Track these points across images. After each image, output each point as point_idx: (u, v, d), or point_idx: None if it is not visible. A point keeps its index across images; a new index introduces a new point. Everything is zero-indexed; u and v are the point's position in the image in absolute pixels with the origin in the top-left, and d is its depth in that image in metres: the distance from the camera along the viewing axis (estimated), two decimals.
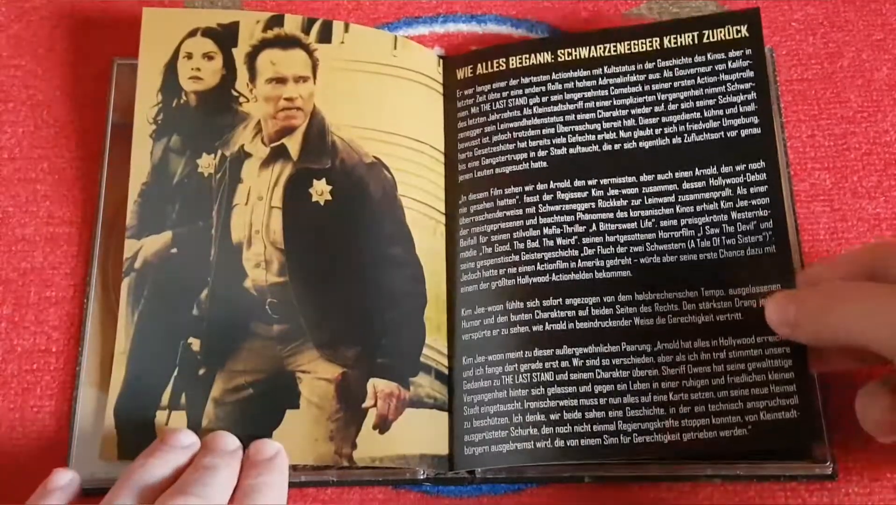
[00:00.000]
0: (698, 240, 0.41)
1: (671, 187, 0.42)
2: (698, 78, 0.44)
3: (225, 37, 0.45)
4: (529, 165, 0.44)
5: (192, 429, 0.39)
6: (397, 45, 0.46)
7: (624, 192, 0.43)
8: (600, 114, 0.44)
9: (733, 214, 0.42)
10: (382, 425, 0.40)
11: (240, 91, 0.44)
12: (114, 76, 0.46)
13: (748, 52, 0.44)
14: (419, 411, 0.41)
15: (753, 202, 0.42)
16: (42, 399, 0.42)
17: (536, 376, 0.40)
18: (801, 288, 0.39)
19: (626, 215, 0.42)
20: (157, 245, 0.42)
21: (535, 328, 0.41)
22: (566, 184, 0.43)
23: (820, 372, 0.40)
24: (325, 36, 0.45)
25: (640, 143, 0.43)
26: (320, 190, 0.43)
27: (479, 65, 0.46)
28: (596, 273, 0.42)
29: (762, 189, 0.42)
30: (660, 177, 0.43)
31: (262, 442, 0.38)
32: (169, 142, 0.44)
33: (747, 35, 0.44)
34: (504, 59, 0.46)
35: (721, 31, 0.44)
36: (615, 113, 0.44)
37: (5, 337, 0.43)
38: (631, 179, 0.43)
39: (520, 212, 0.43)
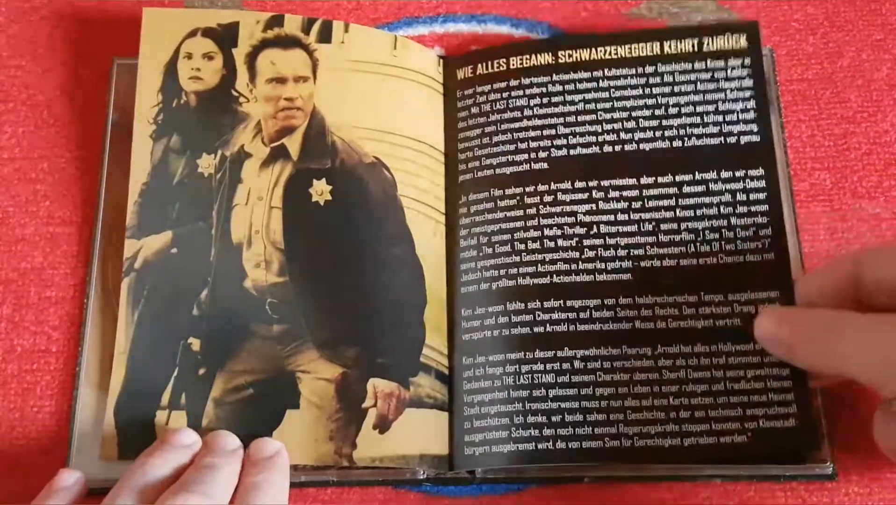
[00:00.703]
0: (698, 244, 0.41)
1: (671, 191, 0.42)
2: (698, 84, 0.44)
3: (225, 37, 0.45)
4: (530, 166, 0.44)
5: (193, 429, 0.39)
6: (397, 45, 0.46)
7: (624, 194, 0.43)
8: (601, 115, 0.44)
9: (733, 220, 0.42)
10: (382, 425, 0.40)
11: (240, 91, 0.44)
12: (114, 76, 0.46)
13: (747, 61, 0.44)
14: (419, 411, 0.41)
15: (752, 208, 0.42)
16: (42, 399, 0.42)
17: (538, 378, 0.40)
18: (793, 309, 0.39)
19: (627, 218, 0.42)
20: (157, 245, 0.42)
21: (535, 329, 0.41)
22: (567, 185, 0.43)
23: (816, 386, 0.40)
24: (325, 36, 0.45)
25: (641, 146, 0.43)
26: (320, 190, 0.43)
27: (480, 65, 0.46)
28: (597, 275, 0.42)
29: (761, 196, 0.42)
30: (660, 179, 0.43)
31: (262, 441, 0.38)
32: (169, 142, 0.44)
33: (746, 44, 0.44)
34: (505, 60, 0.46)
35: (721, 39, 0.44)
36: (616, 115, 0.44)
37: (5, 337, 0.43)
38: (631, 182, 0.43)
39: (520, 213, 0.43)
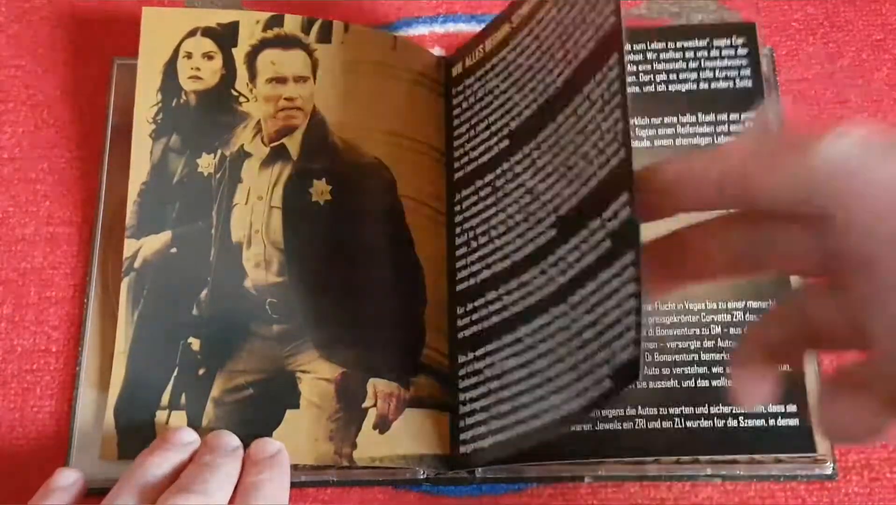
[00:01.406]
0: (588, 168, 0.36)
1: (573, 120, 0.37)
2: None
3: (225, 36, 0.45)
4: (498, 147, 0.42)
5: (193, 429, 0.39)
6: (397, 45, 0.46)
7: (549, 141, 0.39)
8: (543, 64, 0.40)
9: (603, 125, 0.35)
10: (382, 425, 0.40)
11: (239, 91, 0.44)
12: (114, 76, 0.46)
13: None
14: (419, 411, 0.41)
15: (610, 105, 0.35)
16: (42, 399, 0.42)
17: (503, 364, 0.39)
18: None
19: (552, 167, 0.39)
20: (157, 245, 0.42)
21: (503, 315, 0.40)
22: (519, 156, 0.41)
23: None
24: (325, 36, 0.45)
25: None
26: (320, 190, 0.43)
27: (467, 58, 0.46)
28: (536, 240, 0.39)
29: (617, 88, 0.35)
30: (568, 106, 0.38)
31: (263, 440, 0.38)
32: (168, 141, 0.44)
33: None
34: (482, 46, 0.45)
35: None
36: (559, 54, 0.39)
37: (5, 337, 0.43)
38: (553, 125, 0.39)
39: (493, 199, 0.42)
